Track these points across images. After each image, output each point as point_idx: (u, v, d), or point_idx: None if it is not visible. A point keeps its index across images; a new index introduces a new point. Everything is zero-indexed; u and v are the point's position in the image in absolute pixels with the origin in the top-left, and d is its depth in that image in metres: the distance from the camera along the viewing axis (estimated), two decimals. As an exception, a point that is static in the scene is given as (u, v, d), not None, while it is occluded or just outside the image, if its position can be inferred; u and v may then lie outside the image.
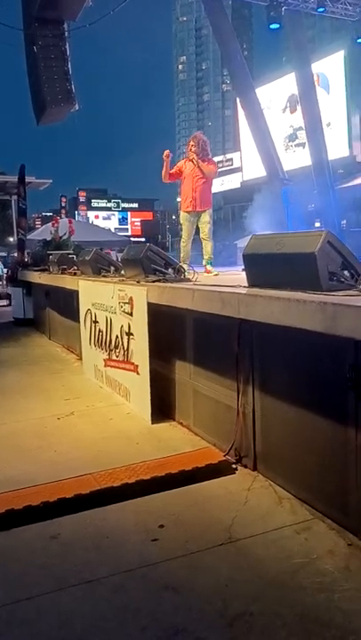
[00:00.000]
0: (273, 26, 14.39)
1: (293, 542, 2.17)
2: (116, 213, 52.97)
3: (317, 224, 17.28)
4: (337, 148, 21.04)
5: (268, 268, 2.87)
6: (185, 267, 5.61)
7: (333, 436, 2.32)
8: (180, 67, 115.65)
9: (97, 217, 47.63)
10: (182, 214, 6.10)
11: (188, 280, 4.07)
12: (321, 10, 14.78)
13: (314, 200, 17.85)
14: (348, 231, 15.49)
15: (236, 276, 4.59)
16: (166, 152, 6.00)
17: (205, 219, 6.00)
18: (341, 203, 16.44)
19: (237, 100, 20.95)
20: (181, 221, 6.18)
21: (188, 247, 6.11)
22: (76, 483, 2.79)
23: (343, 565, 2.00)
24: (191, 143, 6.02)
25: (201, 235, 6.05)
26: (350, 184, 17.52)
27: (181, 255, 6.06)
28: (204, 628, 1.72)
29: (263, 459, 2.86)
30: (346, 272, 2.63)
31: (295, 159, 21.93)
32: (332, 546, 2.12)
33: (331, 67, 22.21)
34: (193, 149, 5.91)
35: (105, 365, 4.69)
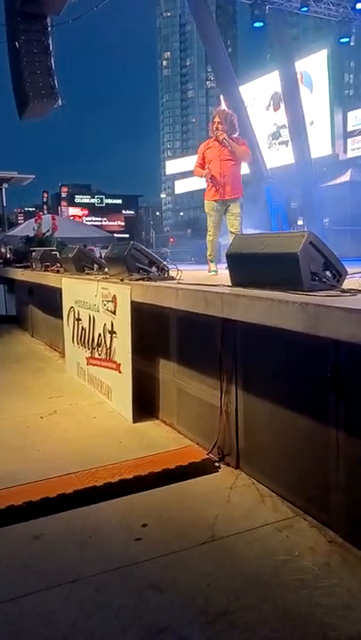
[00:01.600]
0: (257, 24, 14.44)
1: (275, 540, 2.20)
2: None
3: (300, 222, 17.42)
4: (320, 147, 21.20)
5: (251, 268, 2.89)
6: (213, 266, 5.12)
7: (315, 435, 2.35)
8: (164, 63, 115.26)
9: (85, 214, 47.18)
10: (208, 203, 5.23)
11: (173, 278, 4.08)
12: (304, 9, 14.86)
13: (297, 198, 17.97)
14: (331, 229, 15.60)
15: (220, 275, 4.62)
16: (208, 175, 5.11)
17: (236, 210, 5.14)
18: (324, 201, 16.56)
19: (221, 97, 20.96)
20: (207, 211, 5.28)
21: (217, 242, 5.34)
22: (59, 482, 2.79)
23: (324, 562, 2.03)
24: (217, 120, 5.13)
25: (230, 228, 5.18)
26: (333, 182, 17.65)
27: (208, 252, 5.36)
28: (187, 626, 1.74)
29: (246, 457, 2.89)
30: (328, 272, 2.66)
31: (279, 157, 22.03)
32: (313, 543, 2.16)
33: (314, 65, 22.32)
34: (220, 127, 5.07)
35: (87, 363, 4.68)
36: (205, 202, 5.32)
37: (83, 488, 2.72)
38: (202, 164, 5.22)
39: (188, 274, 4.64)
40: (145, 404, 3.91)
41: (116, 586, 1.95)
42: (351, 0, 15.74)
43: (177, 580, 1.98)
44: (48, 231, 10.66)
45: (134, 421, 3.75)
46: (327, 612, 1.77)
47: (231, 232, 5.16)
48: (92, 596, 1.89)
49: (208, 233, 5.37)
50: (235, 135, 5.19)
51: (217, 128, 5.10)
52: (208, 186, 5.21)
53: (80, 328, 4.91)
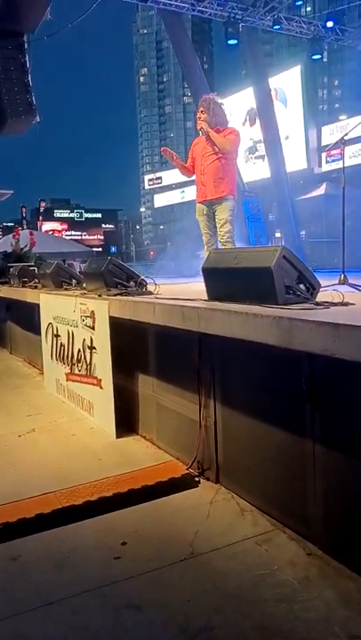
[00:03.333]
0: (231, 41, 14.70)
1: (255, 554, 2.20)
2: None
3: (278, 234, 17.64)
4: (295, 161, 21.57)
5: (226, 282, 2.92)
6: None
7: (292, 447, 2.37)
8: (141, 78, 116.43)
9: (65, 228, 47.00)
10: (196, 208, 4.78)
11: (150, 293, 4.08)
12: (277, 27, 15.20)
13: (274, 211, 18.22)
14: (308, 241, 15.85)
15: (198, 288, 4.63)
16: (162, 149, 4.88)
17: (222, 214, 4.55)
18: (301, 214, 16.81)
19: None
20: (196, 216, 4.81)
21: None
22: (37, 502, 2.75)
23: (303, 575, 2.03)
24: (200, 109, 4.63)
25: (218, 236, 4.64)
26: (308, 196, 17.95)
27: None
28: (167, 645, 1.72)
29: (225, 471, 2.89)
30: (301, 285, 2.70)
31: (255, 171, 22.33)
32: (292, 556, 2.16)
33: (288, 82, 22.78)
34: (203, 117, 4.59)
35: (67, 380, 4.65)
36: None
37: (61, 507, 2.69)
38: (192, 165, 4.84)
39: (167, 288, 4.65)
40: (125, 420, 3.89)
41: (94, 607, 1.93)
42: (322, 18, 16.19)
43: (156, 598, 1.96)
44: (26, 246, 10.62)
45: (117, 437, 3.73)
46: (307, 626, 1.77)
47: (219, 241, 4.72)
48: (69, 619, 1.86)
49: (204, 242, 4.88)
50: (223, 124, 4.67)
51: (198, 118, 4.67)
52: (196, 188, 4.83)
53: (59, 344, 4.88)
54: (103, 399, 3.93)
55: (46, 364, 5.30)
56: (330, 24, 15.62)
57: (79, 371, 4.37)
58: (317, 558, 2.14)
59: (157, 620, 1.84)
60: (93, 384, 4.09)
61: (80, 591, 2.01)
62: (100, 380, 3.97)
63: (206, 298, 3.08)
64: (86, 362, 4.23)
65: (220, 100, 4.74)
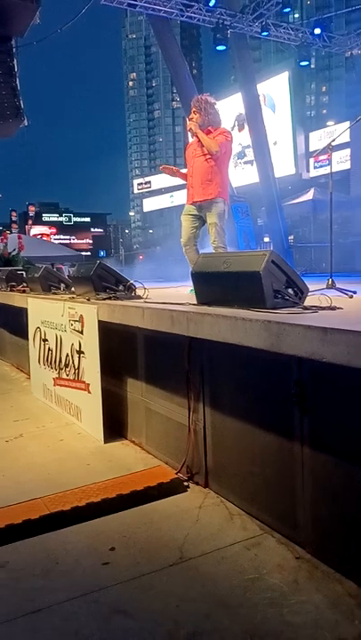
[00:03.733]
0: (219, 47, 14.80)
1: (244, 558, 2.20)
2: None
3: (266, 239, 17.73)
4: (284, 166, 21.75)
5: (215, 287, 2.93)
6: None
7: (281, 451, 2.37)
8: (130, 83, 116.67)
9: (53, 232, 46.74)
10: (184, 208, 4.69)
11: (139, 297, 4.08)
12: (265, 34, 15.32)
13: (263, 215, 18.32)
14: (296, 246, 15.96)
15: (187, 292, 4.63)
16: (162, 167, 4.86)
17: (211, 218, 4.47)
18: (289, 218, 16.92)
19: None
20: (181, 216, 4.73)
21: (192, 254, 4.58)
22: (25, 508, 2.73)
23: (292, 579, 2.03)
24: (193, 109, 4.55)
25: (210, 241, 4.57)
26: (297, 201, 18.08)
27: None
28: (156, 651, 1.71)
29: (214, 475, 2.88)
30: (290, 290, 2.72)
31: (244, 176, 22.45)
32: (281, 560, 2.16)
33: (276, 87, 22.99)
34: (195, 117, 4.51)
35: (55, 384, 4.62)
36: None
37: (49, 513, 2.67)
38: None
39: (156, 292, 4.66)
40: (113, 424, 3.87)
41: (83, 613, 1.91)
42: (310, 25, 16.36)
43: (146, 604, 1.95)
44: (14, 250, 10.59)
45: (105, 441, 3.71)
46: (296, 630, 1.77)
47: (212, 247, 4.64)
48: (58, 626, 1.85)
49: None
50: (214, 124, 4.58)
51: (190, 119, 4.58)
52: None
53: (47, 348, 4.85)
54: (91, 404, 3.91)
55: (34, 368, 5.27)
56: (317, 31, 15.80)
57: (67, 375, 4.35)
58: (306, 562, 2.15)
59: (147, 627, 1.83)
60: (81, 389, 4.07)
61: (69, 597, 1.99)
62: (88, 384, 3.96)
63: (195, 302, 3.09)
64: (74, 366, 4.21)
65: (212, 100, 4.66)
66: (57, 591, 2.04)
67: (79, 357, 4.12)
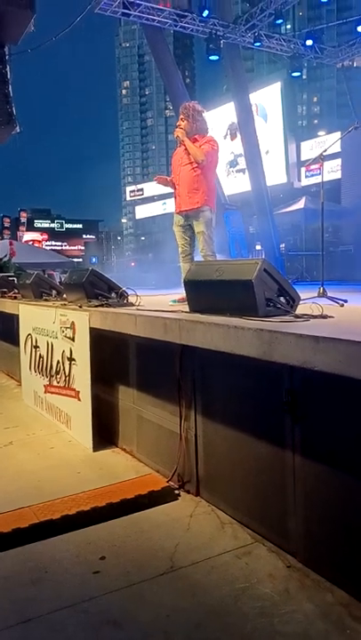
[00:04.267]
0: (212, 57, 14.92)
1: (235, 567, 2.19)
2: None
3: (258, 247, 17.80)
4: (276, 175, 21.91)
5: (208, 295, 2.94)
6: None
7: (272, 460, 2.37)
8: (123, 91, 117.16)
9: (45, 239, 46.62)
10: (174, 218, 4.70)
11: (132, 304, 4.08)
12: (258, 44, 15.46)
13: (255, 224, 18.40)
14: (287, 254, 16.01)
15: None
16: (156, 178, 4.83)
17: (198, 227, 4.48)
18: (280, 227, 17.01)
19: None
20: (173, 227, 4.72)
21: (187, 264, 4.57)
22: (14, 516, 2.70)
23: (283, 588, 2.03)
24: (180, 116, 4.54)
25: (199, 249, 4.57)
26: (288, 209, 18.17)
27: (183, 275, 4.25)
28: (146, 662, 1.70)
29: (206, 484, 2.88)
30: (282, 298, 2.73)
31: (236, 184, 22.59)
32: (271, 569, 2.16)
33: (268, 97, 23.20)
34: (182, 124, 4.48)
35: (45, 392, 4.60)
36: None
37: (39, 522, 2.64)
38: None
39: (149, 299, 4.65)
40: (104, 432, 3.86)
41: (72, 623, 1.89)
42: (301, 37, 16.54)
43: (136, 614, 1.94)
44: (6, 256, 10.56)
45: (94, 450, 3.69)
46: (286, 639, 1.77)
47: (201, 255, 4.64)
48: (48, 636, 1.83)
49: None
50: (202, 132, 4.55)
51: (178, 126, 4.55)
52: None
53: (38, 355, 4.83)
54: (81, 411, 3.89)
55: (24, 375, 5.24)
56: (309, 42, 15.97)
57: (58, 382, 4.33)
58: (297, 571, 2.14)
59: (136, 637, 1.82)
60: (71, 396, 4.05)
61: (58, 607, 1.97)
62: (79, 391, 3.94)
63: (188, 310, 3.09)
64: (65, 373, 4.19)
65: (200, 108, 4.63)
66: (46, 601, 2.02)
67: (70, 364, 4.10)
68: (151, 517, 2.67)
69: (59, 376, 4.31)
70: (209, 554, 2.29)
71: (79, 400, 3.93)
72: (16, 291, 6.61)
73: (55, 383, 4.38)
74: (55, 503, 2.84)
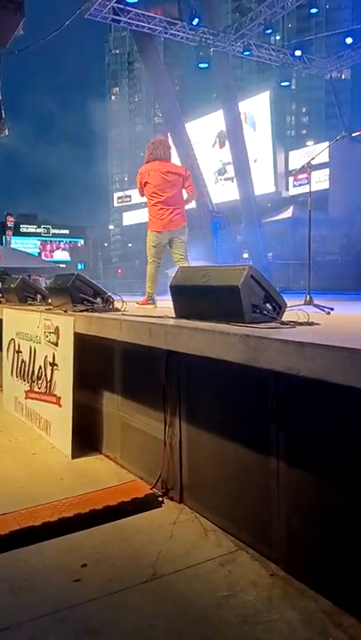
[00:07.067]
0: (202, 65, 15.04)
1: (218, 575, 2.17)
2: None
3: (245, 255, 17.89)
4: (264, 184, 22.06)
5: (194, 300, 2.93)
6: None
7: (257, 467, 2.36)
8: (112, 97, 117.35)
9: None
10: (154, 236, 5.12)
11: (117, 310, 4.06)
12: (247, 53, 15.64)
13: (242, 232, 18.50)
14: (274, 263, 16.09)
15: (165, 305, 4.62)
16: None
17: (183, 237, 5.06)
18: (268, 235, 17.11)
19: (169, 133, 21.56)
20: (153, 245, 5.15)
21: (157, 270, 5.17)
22: (-6, 523, 2.65)
23: (266, 596, 2.01)
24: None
25: (179, 255, 5.12)
26: (276, 218, 18.33)
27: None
28: (126, 672, 1.67)
29: (189, 491, 2.85)
30: (268, 305, 2.73)
31: (224, 192, 22.69)
32: (255, 577, 2.14)
33: (257, 106, 23.39)
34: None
35: (26, 397, 4.53)
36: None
37: (19, 528, 2.60)
38: (142, 188, 5.23)
39: (134, 305, 4.64)
40: (88, 439, 3.82)
41: (52, 632, 1.86)
42: (290, 47, 16.74)
43: (117, 623, 1.91)
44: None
45: (74, 457, 3.64)
46: (269, 648, 1.75)
47: (180, 257, 5.11)
48: (26, 645, 1.79)
49: None
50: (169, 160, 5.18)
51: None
52: None
53: (20, 360, 4.77)
54: (61, 418, 3.83)
55: (6, 381, 5.17)
56: (298, 53, 16.18)
57: (39, 388, 4.28)
58: (280, 579, 2.13)
59: (117, 646, 1.79)
60: (52, 402, 4.00)
61: (38, 615, 1.93)
62: (60, 397, 3.89)
63: (174, 315, 3.08)
64: (47, 379, 4.14)
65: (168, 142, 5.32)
66: (26, 609, 1.98)
67: (52, 370, 4.05)
68: (134, 524, 2.65)
69: (40, 381, 4.26)
70: (192, 561, 2.27)
71: (60, 406, 3.87)
72: (0, 295, 6.54)
73: (36, 389, 4.33)
74: (37, 509, 2.79)
